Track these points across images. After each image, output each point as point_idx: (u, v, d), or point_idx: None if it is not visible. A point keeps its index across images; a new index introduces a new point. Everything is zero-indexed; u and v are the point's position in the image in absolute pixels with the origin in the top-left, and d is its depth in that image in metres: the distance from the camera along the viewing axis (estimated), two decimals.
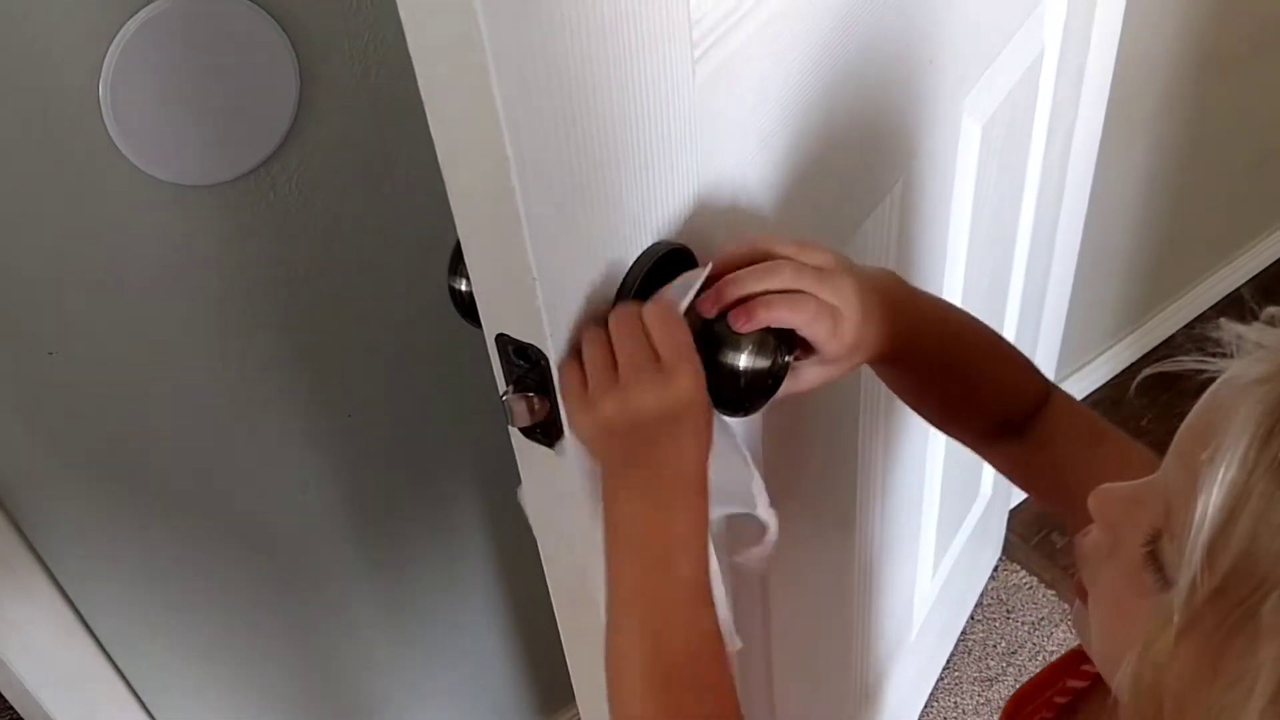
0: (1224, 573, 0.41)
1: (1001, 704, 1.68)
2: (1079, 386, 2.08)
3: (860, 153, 0.76)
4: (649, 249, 0.54)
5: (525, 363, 0.51)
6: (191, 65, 0.79)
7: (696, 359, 0.51)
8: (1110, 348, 2.09)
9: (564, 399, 0.52)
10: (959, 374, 0.71)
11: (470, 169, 0.45)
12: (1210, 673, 0.41)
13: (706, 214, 0.57)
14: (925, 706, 1.69)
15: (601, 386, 0.50)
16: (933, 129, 0.88)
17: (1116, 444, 0.71)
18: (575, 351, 0.51)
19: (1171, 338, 2.16)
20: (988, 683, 1.72)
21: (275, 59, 0.83)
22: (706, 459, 0.53)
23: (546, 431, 0.53)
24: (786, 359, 0.54)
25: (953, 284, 1.07)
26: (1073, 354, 1.96)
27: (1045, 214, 1.31)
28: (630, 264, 0.53)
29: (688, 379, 0.51)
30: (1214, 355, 0.45)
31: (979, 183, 1.01)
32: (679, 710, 0.52)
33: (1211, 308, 2.21)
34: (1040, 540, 1.88)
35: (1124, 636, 0.46)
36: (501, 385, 0.52)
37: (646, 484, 0.52)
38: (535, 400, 0.51)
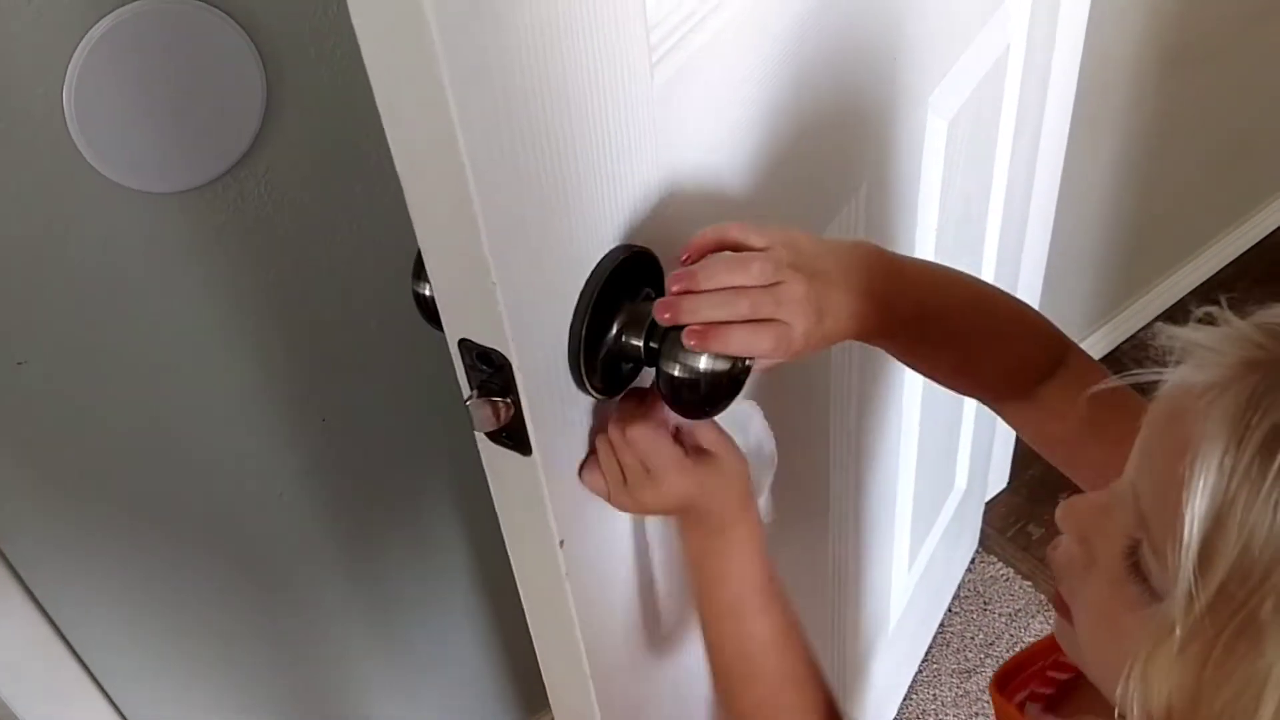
0: (1219, 582, 0.41)
1: (980, 694, 1.70)
2: None
3: (824, 153, 0.77)
4: (611, 252, 0.54)
5: (489, 367, 0.51)
6: (157, 71, 0.79)
7: (678, 460, 0.60)
8: (1081, 342, 2.11)
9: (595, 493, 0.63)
10: (954, 344, 0.71)
11: (427, 176, 0.45)
12: (1216, 679, 0.42)
13: (669, 217, 0.58)
14: (904, 699, 1.70)
15: (617, 487, 0.61)
16: (898, 127, 0.89)
17: (1134, 404, 0.69)
18: (593, 454, 0.62)
19: (1141, 331, 2.18)
20: (966, 674, 1.73)
21: (241, 64, 0.83)
22: (740, 496, 0.63)
23: (513, 436, 0.53)
24: (747, 362, 0.55)
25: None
26: None
27: (1014, 210, 1.33)
28: (593, 267, 0.53)
29: (674, 482, 0.60)
30: (1162, 364, 0.46)
31: (946, 180, 1.02)
32: (733, 697, 0.66)
33: (1180, 300, 2.23)
34: (1016, 532, 1.90)
35: (1117, 650, 0.46)
36: (466, 390, 0.53)
37: (692, 530, 0.64)
38: (500, 404, 0.52)
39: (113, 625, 1.02)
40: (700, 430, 0.61)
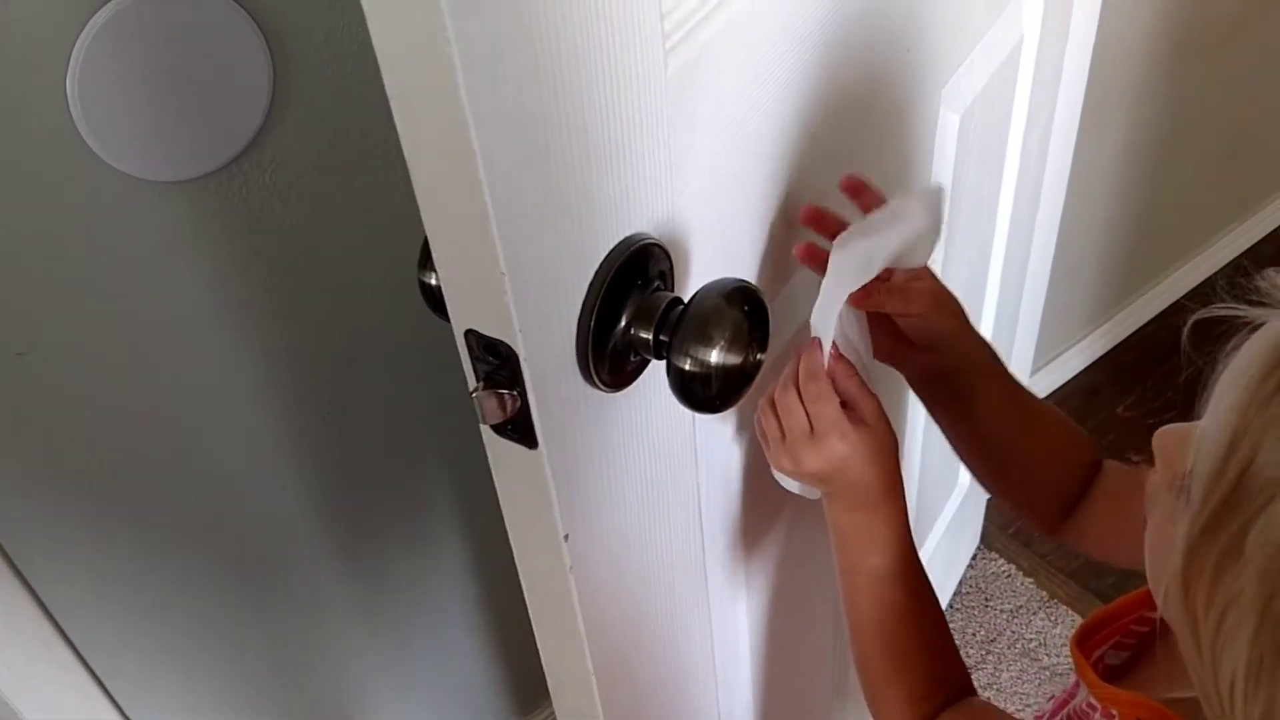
0: (1217, 503, 0.43)
1: (982, 691, 1.70)
2: (1056, 375, 2.09)
3: (837, 144, 0.76)
4: (620, 243, 0.53)
5: (495, 359, 0.50)
6: (162, 59, 0.78)
7: (841, 422, 0.65)
8: (1085, 336, 2.10)
9: (761, 443, 0.69)
10: (1025, 431, 0.79)
11: (436, 162, 0.44)
12: (1211, 595, 0.43)
13: (680, 208, 0.57)
14: None
15: (777, 446, 0.67)
16: (911, 120, 0.88)
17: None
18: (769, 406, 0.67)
19: (1146, 325, 2.18)
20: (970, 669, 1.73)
21: (247, 52, 0.82)
22: (889, 471, 0.67)
23: (518, 428, 0.53)
24: (758, 356, 0.54)
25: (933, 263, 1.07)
26: (1048, 344, 1.97)
27: (1024, 204, 1.32)
28: (602, 258, 0.53)
29: (835, 443, 0.65)
30: (1256, 303, 0.47)
31: (957, 173, 1.01)
32: (871, 660, 0.71)
33: (1185, 295, 2.23)
34: (1018, 529, 1.89)
35: (1159, 564, 0.50)
36: (472, 382, 0.52)
37: (842, 499, 0.68)
38: (506, 397, 0.51)
39: (109, 617, 1.01)
40: (862, 403, 0.66)
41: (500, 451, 0.55)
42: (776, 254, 0.71)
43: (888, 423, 0.67)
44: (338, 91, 0.88)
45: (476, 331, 0.50)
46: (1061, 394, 2.10)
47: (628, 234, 0.54)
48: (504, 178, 0.44)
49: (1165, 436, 0.52)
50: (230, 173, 0.86)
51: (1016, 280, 1.47)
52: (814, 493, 0.72)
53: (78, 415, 0.89)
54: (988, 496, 1.88)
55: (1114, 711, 0.59)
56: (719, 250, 0.63)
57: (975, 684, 1.77)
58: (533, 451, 0.53)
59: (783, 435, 0.66)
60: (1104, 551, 0.78)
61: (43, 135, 0.76)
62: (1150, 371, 2.10)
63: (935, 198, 0.69)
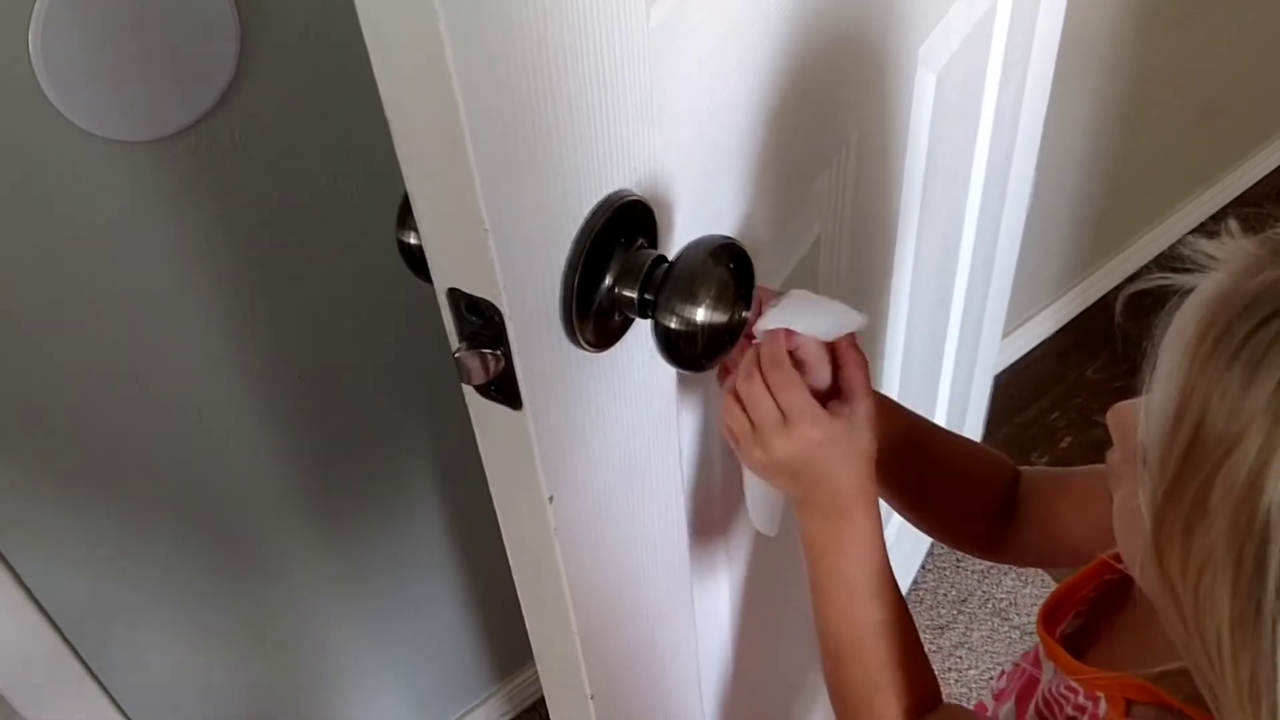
0: (1174, 468, 0.43)
1: (953, 649, 1.72)
2: (1026, 339, 2.11)
3: (818, 101, 0.75)
4: (604, 200, 0.52)
5: (478, 318, 0.49)
6: (125, 13, 0.76)
7: (813, 408, 0.62)
8: (1055, 300, 2.12)
9: (730, 442, 0.66)
10: (949, 467, 0.78)
11: (418, 116, 0.43)
12: (1184, 559, 0.44)
13: (664, 165, 0.56)
14: None
15: (747, 438, 0.64)
16: (888, 78, 0.88)
17: (1077, 481, 0.74)
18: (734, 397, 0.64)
19: (1115, 289, 2.20)
20: (939, 630, 1.75)
21: (214, 5, 0.80)
22: (863, 476, 0.64)
23: (502, 389, 0.52)
24: (744, 314, 0.53)
25: (906, 236, 1.07)
26: (1019, 308, 1.99)
27: (997, 167, 1.32)
28: (586, 215, 0.52)
29: (808, 429, 0.62)
30: (1182, 270, 0.47)
31: (933, 133, 1.01)
32: (846, 679, 0.68)
33: (1153, 260, 2.25)
34: None
35: (1130, 537, 0.49)
36: (454, 342, 0.51)
37: (811, 503, 0.65)
38: (490, 356, 0.50)
39: (86, 590, 1.00)
40: (858, 400, 0.64)
41: (483, 413, 0.54)
42: (760, 211, 0.70)
43: (873, 431, 0.65)
44: (310, 47, 0.86)
45: (459, 290, 0.49)
46: (1031, 358, 2.11)
47: (611, 190, 0.53)
48: (487, 130, 0.43)
49: (1118, 414, 0.52)
50: (199, 130, 0.84)
51: (989, 244, 1.47)
52: (774, 526, 0.71)
53: (44, 383, 0.87)
54: None
55: (1099, 694, 0.58)
56: (703, 208, 0.62)
57: (948, 643, 1.78)
58: (517, 412, 0.53)
59: (752, 426, 0.63)
60: (1047, 557, 0.78)
61: (4, 93, 0.74)
62: (1119, 334, 2.11)
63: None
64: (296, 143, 0.90)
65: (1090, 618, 0.65)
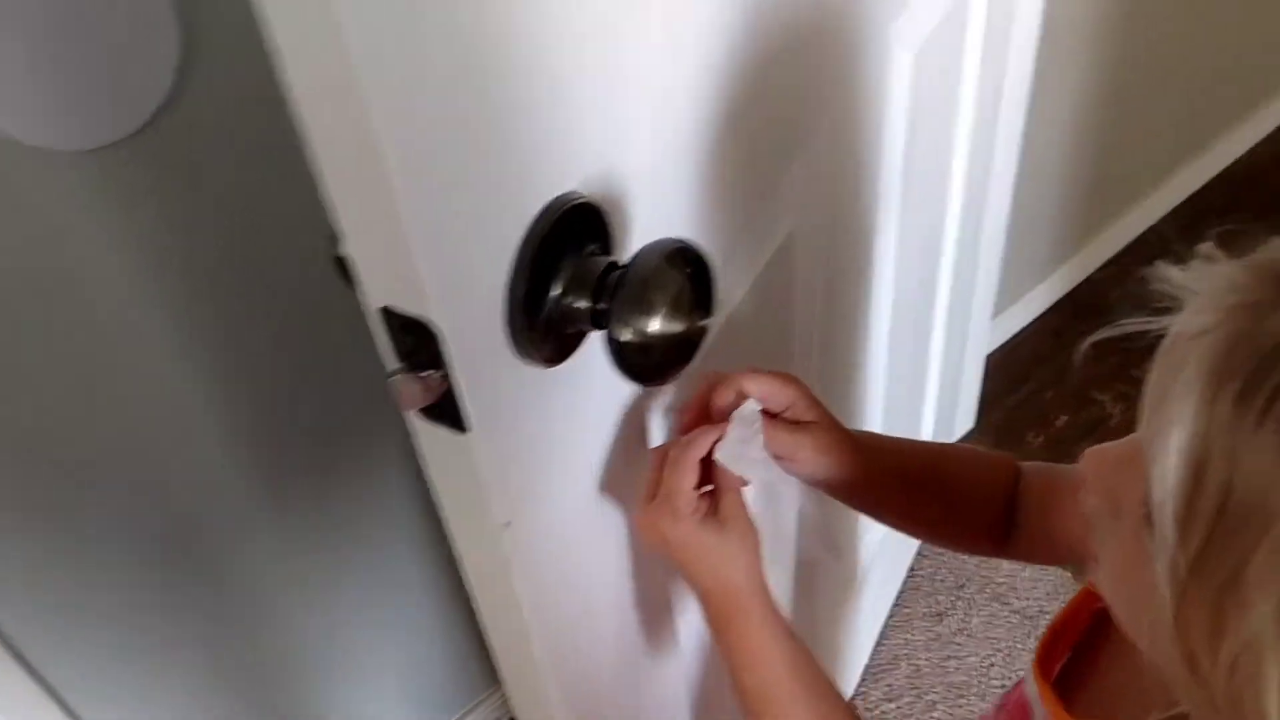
0: (1200, 540, 0.39)
1: (952, 637, 1.69)
2: (1018, 318, 2.08)
3: (785, 88, 0.71)
4: (551, 204, 0.49)
5: (414, 338, 0.46)
6: (64, 20, 0.72)
7: (689, 504, 0.59)
8: (1047, 278, 2.08)
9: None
10: (935, 484, 0.75)
11: (331, 125, 0.39)
12: (1216, 636, 0.39)
13: (615, 162, 0.52)
14: (876, 644, 1.69)
15: (643, 502, 0.61)
16: (859, 58, 0.84)
17: (1067, 478, 0.70)
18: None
19: (1106, 264, 2.16)
20: (937, 617, 1.72)
21: (153, 10, 0.76)
22: (745, 575, 0.61)
23: (446, 412, 0.48)
24: (704, 321, 0.50)
25: (887, 223, 1.03)
26: (1010, 287, 1.95)
27: (981, 148, 1.28)
28: (530, 221, 0.48)
29: (675, 525, 0.59)
30: (1158, 311, 0.43)
31: (912, 115, 0.97)
32: None
33: (1143, 233, 2.22)
34: None
35: (1136, 605, 0.45)
36: (391, 363, 0.47)
37: (708, 602, 0.63)
38: (431, 378, 0.46)
39: (41, 601, 0.96)
40: (723, 497, 0.60)
41: (428, 437, 0.51)
42: (725, 209, 0.66)
43: (746, 518, 0.61)
44: (252, 55, 0.82)
45: (392, 309, 0.45)
46: (1024, 336, 2.08)
47: (559, 193, 0.49)
48: (406, 135, 0.39)
49: (1098, 460, 0.48)
50: (139, 139, 0.80)
51: (974, 226, 1.43)
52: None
53: None
54: (956, 440, 1.87)
55: None
56: (661, 208, 0.58)
57: (947, 630, 1.76)
58: (463, 436, 0.49)
59: (651, 494, 0.60)
60: (1048, 555, 0.74)
61: None
62: (1112, 310, 2.08)
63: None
64: (244, 145, 0.87)
65: (1078, 648, 0.62)
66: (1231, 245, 0.44)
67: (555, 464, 0.55)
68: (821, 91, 0.79)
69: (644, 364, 0.49)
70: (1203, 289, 0.42)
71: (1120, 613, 0.49)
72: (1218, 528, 0.38)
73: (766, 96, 0.68)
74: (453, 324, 0.45)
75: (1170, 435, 0.39)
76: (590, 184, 0.51)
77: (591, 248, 0.51)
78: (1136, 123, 1.99)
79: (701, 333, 0.50)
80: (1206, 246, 0.44)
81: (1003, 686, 1.61)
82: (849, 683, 1.61)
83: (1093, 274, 2.15)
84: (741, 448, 0.60)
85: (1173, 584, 0.40)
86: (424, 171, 0.41)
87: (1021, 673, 0.66)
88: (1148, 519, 0.42)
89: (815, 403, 0.67)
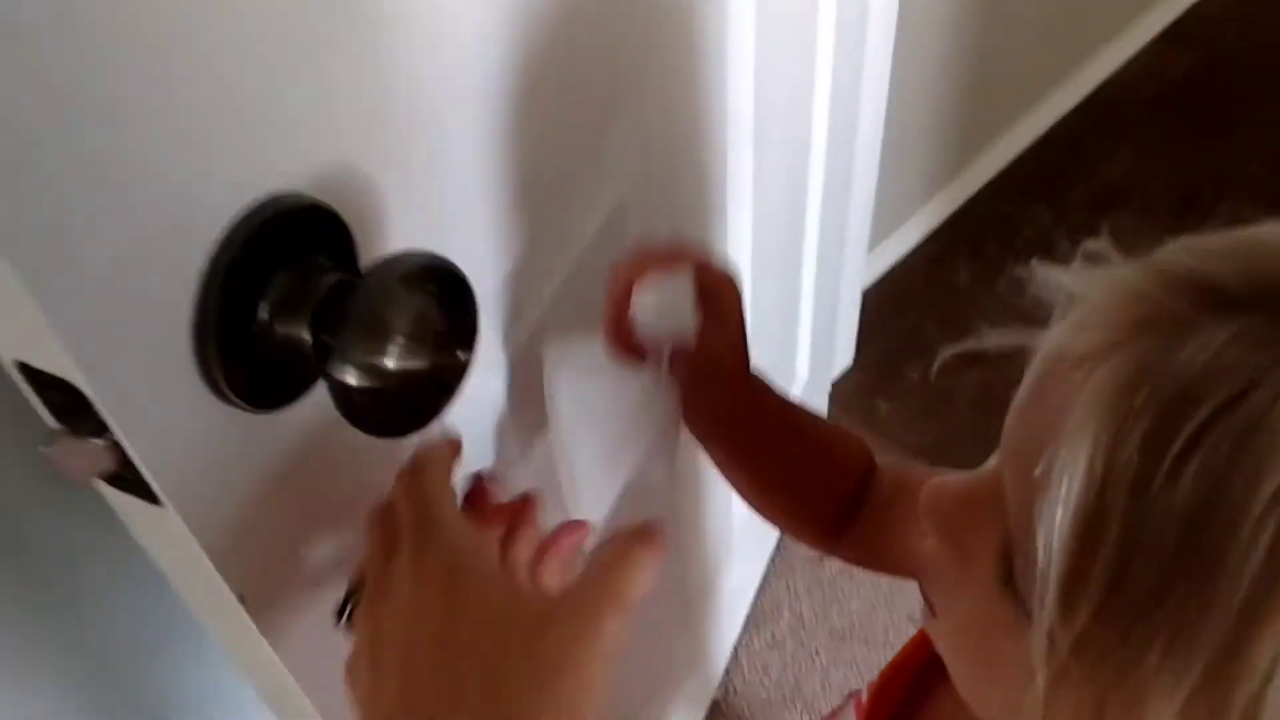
0: (1088, 614, 0.31)
1: (834, 580, 1.66)
2: (896, 249, 2.03)
3: (592, 44, 0.60)
4: (258, 206, 0.38)
5: (64, 396, 0.35)
6: None
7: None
8: (923, 206, 2.04)
9: None
10: (798, 443, 0.66)
11: None
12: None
13: (358, 148, 0.41)
14: (758, 591, 1.65)
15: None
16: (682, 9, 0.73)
17: (916, 481, 0.61)
18: None
19: (983, 189, 2.13)
20: (819, 560, 1.70)
21: None
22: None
23: (131, 481, 0.38)
24: (462, 355, 0.40)
25: (739, 173, 0.93)
26: (885, 217, 1.89)
27: (844, 76, 1.19)
28: (224, 229, 0.37)
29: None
30: (1034, 320, 0.36)
31: (760, 62, 0.87)
32: None
33: (1019, 155, 2.19)
34: (864, 411, 1.85)
35: (986, 674, 0.38)
36: (50, 426, 0.37)
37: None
38: (93, 447, 0.36)
39: None
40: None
41: (124, 507, 0.40)
42: (524, 195, 0.55)
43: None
44: None
45: (29, 365, 0.34)
46: (904, 266, 2.04)
47: (269, 193, 0.38)
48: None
49: (940, 499, 0.39)
50: None
51: (845, 157, 1.35)
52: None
53: None
54: (833, 379, 1.82)
55: None
56: (427, 207, 0.47)
57: (827, 573, 1.71)
58: (159, 509, 0.38)
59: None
60: (876, 559, 0.66)
61: None
62: (989, 236, 2.05)
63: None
64: None
65: (910, 690, 0.56)
66: (1129, 243, 0.36)
67: (296, 524, 0.45)
68: (644, 41, 0.68)
69: (378, 411, 0.39)
70: (1094, 297, 0.34)
71: (962, 676, 0.41)
72: (1111, 602, 0.30)
73: (571, 54, 0.57)
74: (110, 379, 0.34)
75: (1055, 483, 0.31)
76: (322, 179, 0.40)
77: (319, 260, 0.40)
78: (1007, 43, 1.94)
79: (460, 371, 0.39)
80: (1095, 243, 0.36)
81: (885, 630, 1.59)
82: (731, 632, 1.57)
83: (969, 200, 2.12)
84: (671, 296, 0.52)
85: (1049, 663, 0.32)
86: (38, 195, 0.30)
87: (906, 620, 0.59)
88: (1007, 580, 0.35)
89: (741, 314, 0.59)
